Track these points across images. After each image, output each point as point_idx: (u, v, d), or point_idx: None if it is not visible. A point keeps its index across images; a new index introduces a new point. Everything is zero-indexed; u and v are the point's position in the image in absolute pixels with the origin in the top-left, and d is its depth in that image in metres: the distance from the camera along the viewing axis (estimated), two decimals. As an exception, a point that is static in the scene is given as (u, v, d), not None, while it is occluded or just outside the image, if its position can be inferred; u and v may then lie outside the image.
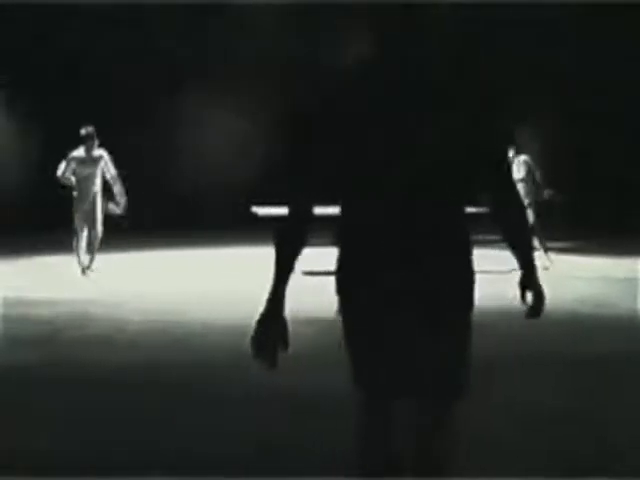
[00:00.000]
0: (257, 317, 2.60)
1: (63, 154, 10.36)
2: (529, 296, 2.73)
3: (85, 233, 10.24)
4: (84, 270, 10.25)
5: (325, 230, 13.49)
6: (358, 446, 2.78)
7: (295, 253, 2.68)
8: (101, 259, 10.68)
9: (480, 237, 14.52)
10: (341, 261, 2.66)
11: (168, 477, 3.89)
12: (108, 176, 10.35)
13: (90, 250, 10.30)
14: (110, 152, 10.40)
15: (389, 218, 2.54)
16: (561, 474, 3.91)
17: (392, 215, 2.54)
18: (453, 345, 2.60)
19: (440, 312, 2.56)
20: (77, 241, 10.26)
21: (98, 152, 10.29)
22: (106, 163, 10.31)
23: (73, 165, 10.23)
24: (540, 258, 10.91)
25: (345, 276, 2.65)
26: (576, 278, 10.10)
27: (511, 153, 10.97)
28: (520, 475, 3.84)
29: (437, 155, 2.54)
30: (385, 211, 2.54)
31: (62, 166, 10.28)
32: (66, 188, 10.33)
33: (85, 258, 10.28)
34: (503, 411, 4.92)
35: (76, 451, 4.24)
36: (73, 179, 10.24)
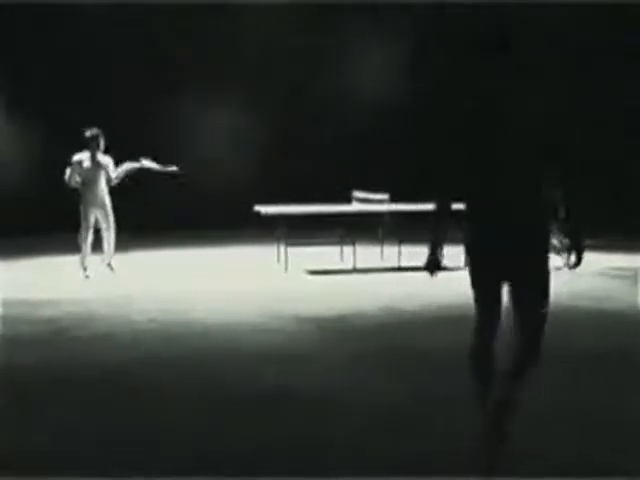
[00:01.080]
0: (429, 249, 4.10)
1: (65, 155, 10.35)
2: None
3: (91, 236, 10.33)
4: (85, 269, 10.33)
5: (328, 230, 13.34)
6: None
7: (445, 228, 4.10)
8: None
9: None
10: (468, 237, 4.05)
11: (169, 477, 3.88)
12: (113, 175, 10.45)
13: (109, 250, 10.48)
14: (109, 151, 10.45)
15: (496, 209, 3.89)
16: (561, 472, 3.88)
17: (499, 206, 3.88)
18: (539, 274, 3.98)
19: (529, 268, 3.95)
20: (82, 242, 10.32)
21: (104, 158, 10.36)
22: (108, 167, 10.36)
23: (78, 169, 10.26)
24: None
25: (472, 246, 4.06)
26: (578, 274, 10.06)
27: None
28: (520, 475, 3.82)
29: (527, 160, 3.85)
30: (494, 204, 3.89)
31: (68, 171, 10.30)
32: (75, 190, 10.35)
33: (88, 260, 10.36)
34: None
35: (78, 450, 4.24)
36: (79, 180, 10.24)
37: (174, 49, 16.45)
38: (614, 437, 4.41)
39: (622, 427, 4.56)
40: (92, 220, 10.34)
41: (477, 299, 4.17)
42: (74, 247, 10.64)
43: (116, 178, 10.47)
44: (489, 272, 4.05)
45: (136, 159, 10.66)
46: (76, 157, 10.27)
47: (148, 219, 14.66)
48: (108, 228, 10.43)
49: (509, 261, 3.93)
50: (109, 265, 10.54)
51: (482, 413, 4.05)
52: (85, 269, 10.30)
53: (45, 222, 14.38)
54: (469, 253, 4.08)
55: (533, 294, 3.99)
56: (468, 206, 4.00)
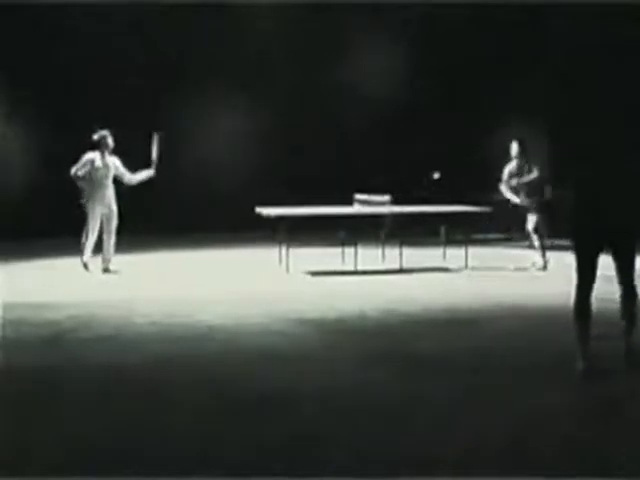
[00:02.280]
0: None
1: (68, 157, 10.56)
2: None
3: (96, 234, 10.57)
4: (86, 266, 10.54)
5: (330, 232, 13.34)
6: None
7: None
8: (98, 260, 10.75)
9: (480, 236, 14.40)
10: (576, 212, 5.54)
11: (170, 477, 3.90)
12: (125, 179, 10.83)
13: (108, 251, 10.68)
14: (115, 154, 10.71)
15: (597, 192, 5.47)
16: (561, 474, 3.89)
17: (599, 192, 5.46)
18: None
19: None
20: (86, 239, 10.56)
21: (112, 158, 10.65)
22: (117, 168, 10.71)
23: (88, 167, 10.53)
24: (535, 256, 11.00)
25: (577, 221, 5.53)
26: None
27: (516, 151, 11.06)
28: (520, 475, 3.84)
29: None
30: (594, 189, 5.47)
31: (76, 165, 10.54)
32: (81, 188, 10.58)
33: (90, 257, 10.59)
34: (502, 409, 4.93)
35: (79, 451, 4.28)
36: (82, 176, 10.52)
37: (174, 49, 16.48)
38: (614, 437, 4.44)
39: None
40: (99, 219, 10.58)
41: (579, 264, 5.47)
42: (75, 249, 10.72)
43: (131, 180, 10.81)
44: (592, 240, 5.44)
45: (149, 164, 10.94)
46: (88, 155, 10.56)
47: (150, 221, 14.69)
48: (110, 231, 10.64)
49: (611, 230, 5.41)
50: (106, 269, 10.63)
51: (582, 351, 5.48)
52: (86, 266, 10.49)
53: (47, 224, 14.42)
54: (577, 225, 5.50)
55: (629, 255, 5.47)
56: (578, 189, 5.48)
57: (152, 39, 16.34)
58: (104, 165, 10.56)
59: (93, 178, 10.51)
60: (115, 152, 10.74)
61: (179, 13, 16.08)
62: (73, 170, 10.51)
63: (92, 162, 10.52)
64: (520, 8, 15.60)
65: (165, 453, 4.25)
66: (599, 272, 5.51)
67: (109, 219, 10.63)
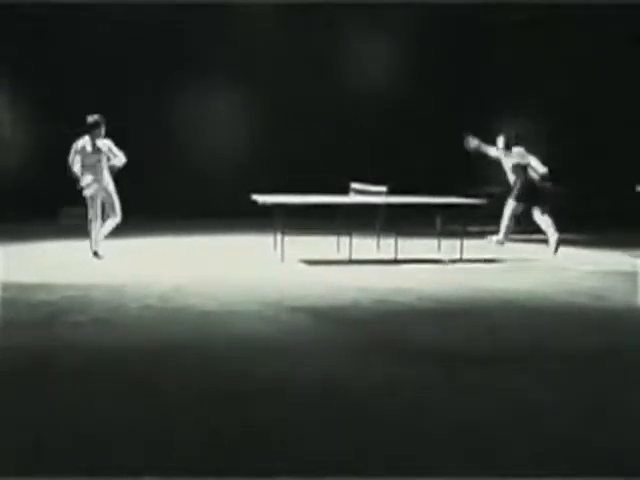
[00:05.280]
0: None
1: (68, 142, 10.55)
2: None
3: (99, 219, 10.49)
4: (96, 253, 10.51)
5: (325, 221, 13.38)
6: None
7: None
8: (103, 245, 10.72)
9: (478, 229, 14.46)
10: None
11: (168, 477, 3.88)
12: (115, 160, 10.57)
13: (97, 236, 10.58)
14: (112, 141, 10.64)
15: None
16: (559, 472, 3.88)
17: None
18: None
19: None
20: (91, 226, 10.52)
21: (104, 142, 10.50)
22: (110, 149, 10.54)
23: (80, 154, 10.45)
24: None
25: None
26: (576, 271, 10.12)
27: (501, 144, 11.68)
28: (520, 474, 3.83)
29: None
30: None
31: (71, 154, 10.49)
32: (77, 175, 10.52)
33: (98, 243, 10.55)
34: (498, 406, 4.93)
35: (73, 435, 4.27)
36: (78, 167, 10.45)
37: (173, 42, 16.53)
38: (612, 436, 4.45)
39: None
40: (99, 205, 10.48)
41: None
42: (68, 232, 10.69)
43: (117, 158, 10.58)
44: None
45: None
46: (79, 142, 10.46)
47: (145, 206, 14.67)
48: (115, 215, 10.61)
49: None
50: (96, 253, 10.55)
51: None
52: (95, 253, 10.47)
53: (44, 207, 14.44)
54: None
55: None
56: None
57: (152, 34, 16.38)
58: (95, 150, 10.44)
59: (86, 164, 10.44)
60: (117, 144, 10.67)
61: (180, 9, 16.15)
62: (70, 161, 10.46)
63: (84, 149, 10.44)
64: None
65: (159, 437, 4.24)
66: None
67: (111, 204, 10.57)
